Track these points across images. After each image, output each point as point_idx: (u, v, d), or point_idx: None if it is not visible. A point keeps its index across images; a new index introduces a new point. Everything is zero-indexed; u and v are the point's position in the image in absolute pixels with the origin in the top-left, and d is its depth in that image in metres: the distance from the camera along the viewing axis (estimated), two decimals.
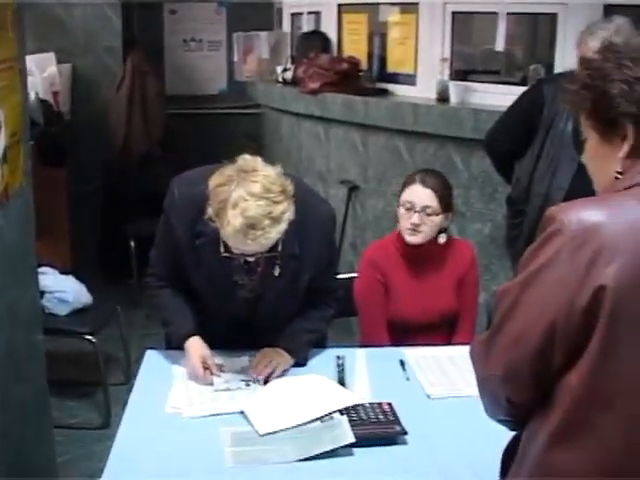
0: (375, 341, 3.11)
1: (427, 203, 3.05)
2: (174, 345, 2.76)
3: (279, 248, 2.54)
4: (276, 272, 2.64)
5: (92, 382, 4.53)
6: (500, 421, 1.73)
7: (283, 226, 2.42)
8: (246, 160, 2.46)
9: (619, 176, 1.61)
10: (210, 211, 2.43)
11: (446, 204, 3.11)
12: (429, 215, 3.05)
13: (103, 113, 6.29)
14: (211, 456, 2.22)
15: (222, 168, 2.46)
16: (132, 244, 5.95)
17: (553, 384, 1.55)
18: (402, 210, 3.10)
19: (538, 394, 1.58)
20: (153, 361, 2.80)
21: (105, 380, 4.39)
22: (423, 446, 2.26)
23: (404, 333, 3.14)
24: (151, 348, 2.90)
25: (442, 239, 3.12)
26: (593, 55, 1.70)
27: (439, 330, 3.21)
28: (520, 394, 1.61)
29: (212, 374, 2.63)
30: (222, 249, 2.53)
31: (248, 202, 2.34)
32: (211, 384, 2.60)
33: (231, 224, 2.35)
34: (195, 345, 2.69)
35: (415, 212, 3.05)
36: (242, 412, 2.41)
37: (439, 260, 3.17)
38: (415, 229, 3.06)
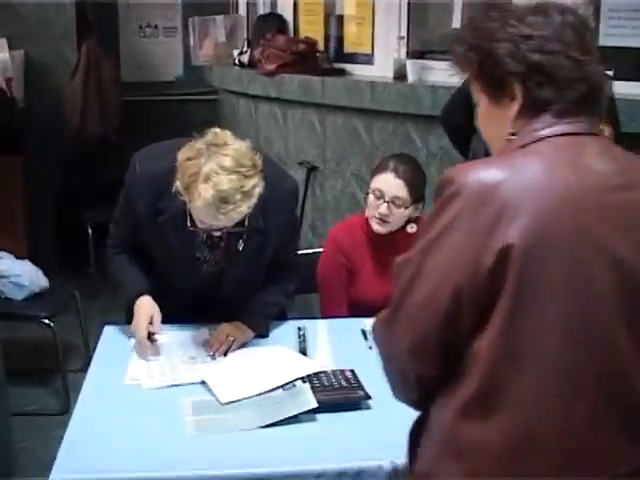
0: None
1: (397, 194, 2.98)
2: (127, 308, 2.70)
3: (246, 223, 2.52)
4: (240, 247, 2.62)
5: (51, 369, 4.47)
6: (406, 401, 1.66)
7: (253, 200, 2.40)
8: (216, 134, 2.43)
9: (511, 137, 1.57)
10: (178, 185, 2.40)
11: (417, 196, 3.04)
12: (398, 207, 2.99)
13: (58, 100, 6.19)
14: (172, 425, 2.20)
15: (191, 142, 2.43)
16: (90, 231, 5.89)
17: (462, 354, 1.49)
18: (371, 197, 3.03)
19: (446, 366, 1.52)
20: (112, 336, 2.77)
21: (63, 366, 4.34)
22: (387, 410, 2.25)
23: (367, 315, 3.12)
24: (109, 323, 2.87)
25: (411, 229, 3.05)
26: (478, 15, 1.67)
27: None
28: (429, 367, 1.54)
29: (151, 339, 2.60)
30: (189, 223, 2.50)
31: (220, 176, 2.32)
32: (156, 353, 2.58)
33: (202, 197, 2.32)
34: (144, 303, 2.66)
35: (384, 202, 2.99)
36: (203, 382, 2.39)
37: (406, 247, 3.13)
38: (383, 219, 3.01)
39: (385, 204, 2.98)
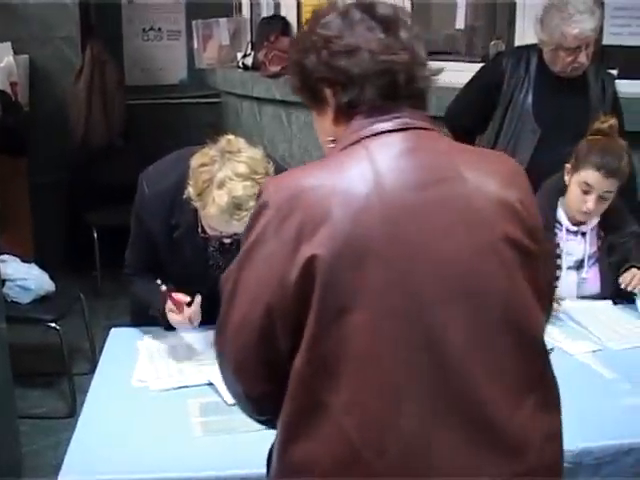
0: None
1: None
2: (162, 323, 2.69)
3: None
4: None
5: (57, 372, 4.47)
6: (256, 420, 1.62)
7: None
8: (230, 141, 2.45)
9: (331, 145, 1.55)
10: (191, 191, 2.41)
11: None
12: None
13: (62, 104, 6.20)
14: (180, 427, 2.20)
15: (204, 149, 2.44)
16: (95, 234, 5.88)
17: (288, 372, 1.43)
18: None
19: (274, 386, 1.46)
20: (118, 338, 2.77)
21: (70, 369, 4.33)
22: None
23: None
24: (116, 326, 2.87)
25: None
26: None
27: None
28: (254, 387, 1.50)
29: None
30: (200, 230, 2.51)
31: (234, 182, 2.33)
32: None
33: (217, 204, 2.34)
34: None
35: None
36: (210, 383, 2.39)
37: None
38: None
39: None
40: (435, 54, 4.93)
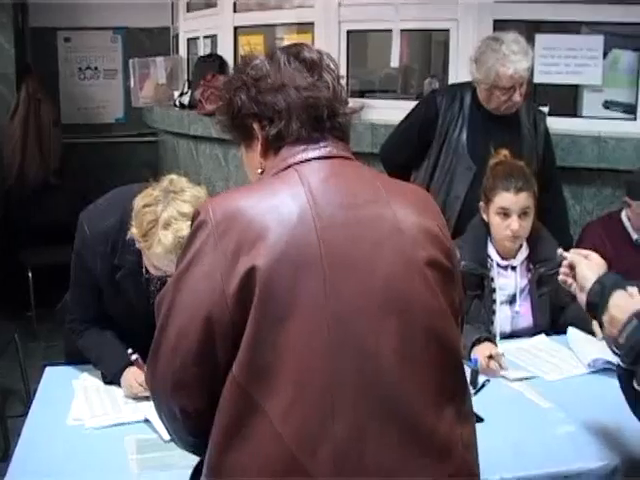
0: None
1: None
2: (109, 380, 2.64)
3: None
4: None
5: None
6: (185, 446, 1.66)
7: None
8: (172, 180, 2.45)
9: (260, 176, 1.67)
10: (135, 232, 2.40)
11: None
12: None
13: None
14: (116, 465, 2.16)
15: (147, 189, 2.43)
16: (30, 274, 5.79)
17: (222, 387, 1.49)
18: None
19: (210, 401, 1.51)
20: (53, 377, 2.72)
21: (3, 412, 4.24)
22: None
23: None
24: (50, 364, 2.82)
25: None
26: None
27: None
28: (191, 403, 1.54)
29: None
30: (144, 271, 2.50)
31: (180, 222, 2.33)
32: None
33: (162, 244, 2.33)
34: (130, 373, 2.59)
35: None
36: (146, 420, 2.36)
37: None
38: None
39: None
40: (371, 92, 5.02)
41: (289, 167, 1.59)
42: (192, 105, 5.69)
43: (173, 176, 2.47)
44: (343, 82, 1.71)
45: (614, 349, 1.87)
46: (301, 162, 1.59)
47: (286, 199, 1.52)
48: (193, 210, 2.32)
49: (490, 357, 2.69)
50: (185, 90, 5.97)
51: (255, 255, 1.45)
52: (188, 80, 6.16)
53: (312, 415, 1.44)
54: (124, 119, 7.02)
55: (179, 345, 1.50)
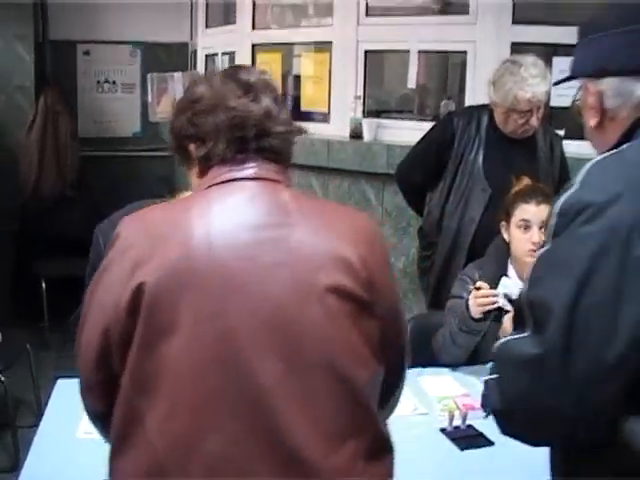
0: None
1: None
2: None
3: None
4: None
5: (0, 424, 4.38)
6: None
7: None
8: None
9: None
10: None
11: None
12: None
13: (14, 153, 6.20)
14: None
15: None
16: (43, 285, 5.82)
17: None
18: None
19: (111, 406, 1.57)
20: (64, 390, 2.72)
21: (14, 422, 4.26)
22: None
23: None
24: (61, 376, 2.83)
25: None
26: None
27: None
28: (96, 405, 1.64)
29: None
30: None
31: None
32: None
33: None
34: None
35: None
36: None
37: None
38: None
39: None
40: (387, 112, 5.02)
41: (209, 187, 1.65)
42: None
43: (187, 193, 2.48)
44: (288, 103, 1.76)
45: None
46: (222, 182, 1.64)
47: (192, 217, 1.57)
48: None
49: (477, 289, 2.81)
50: None
51: (147, 271, 1.50)
52: None
53: (183, 432, 1.48)
54: (141, 133, 7.04)
55: (84, 352, 1.59)
